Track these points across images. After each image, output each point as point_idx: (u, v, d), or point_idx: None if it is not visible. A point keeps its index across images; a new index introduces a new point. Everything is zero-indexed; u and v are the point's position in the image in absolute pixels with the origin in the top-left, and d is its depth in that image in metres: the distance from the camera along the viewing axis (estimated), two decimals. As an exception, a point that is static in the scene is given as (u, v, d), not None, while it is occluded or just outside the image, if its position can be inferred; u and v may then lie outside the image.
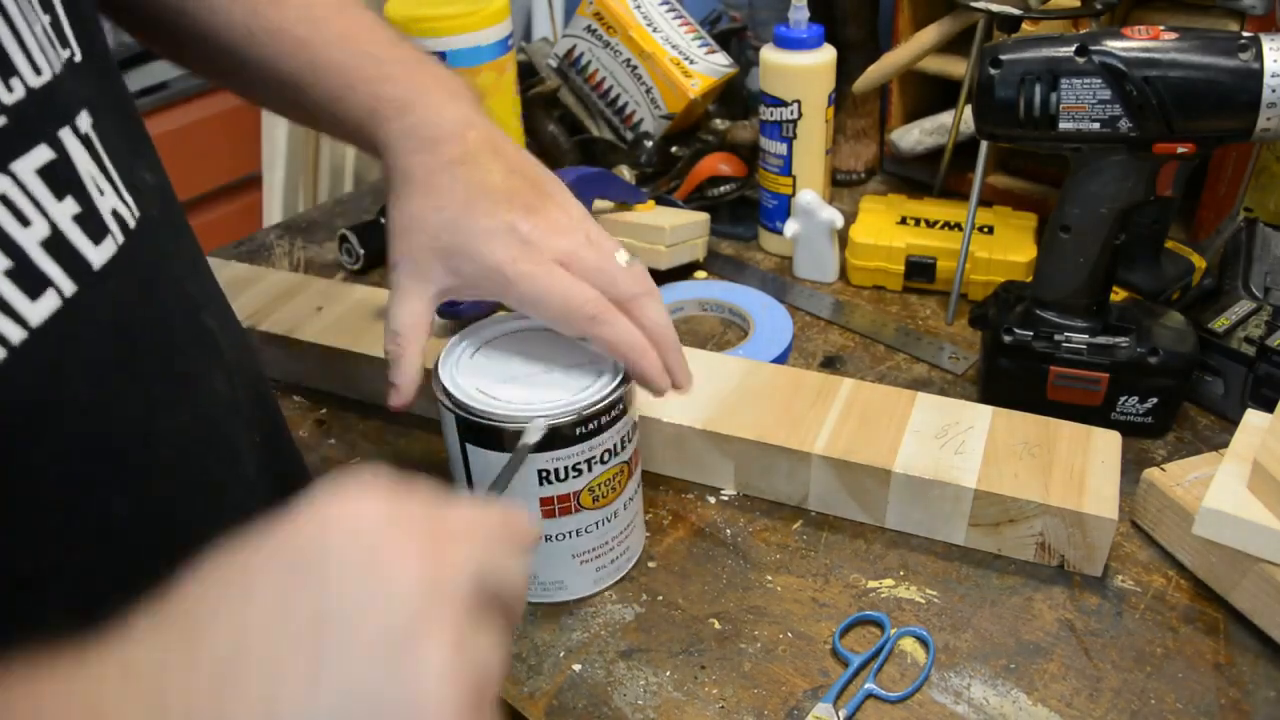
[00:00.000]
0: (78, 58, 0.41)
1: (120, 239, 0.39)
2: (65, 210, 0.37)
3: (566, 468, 0.54)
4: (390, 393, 0.52)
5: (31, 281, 0.35)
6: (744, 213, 0.98)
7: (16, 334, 0.34)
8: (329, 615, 0.27)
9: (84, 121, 0.39)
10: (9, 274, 0.34)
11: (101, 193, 0.39)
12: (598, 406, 0.53)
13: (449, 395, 0.55)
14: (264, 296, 0.82)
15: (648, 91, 1.00)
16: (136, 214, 0.41)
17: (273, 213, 1.48)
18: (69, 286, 0.36)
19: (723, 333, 0.85)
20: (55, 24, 0.39)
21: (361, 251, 0.94)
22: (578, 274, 0.52)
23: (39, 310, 0.35)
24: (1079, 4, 0.78)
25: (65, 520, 0.37)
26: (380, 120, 0.54)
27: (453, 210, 0.52)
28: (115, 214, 0.39)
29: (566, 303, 0.51)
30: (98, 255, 0.38)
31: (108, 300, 0.38)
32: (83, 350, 0.37)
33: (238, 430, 0.47)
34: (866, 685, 0.54)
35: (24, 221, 0.35)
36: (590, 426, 0.53)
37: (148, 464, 0.40)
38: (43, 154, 0.36)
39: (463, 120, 0.53)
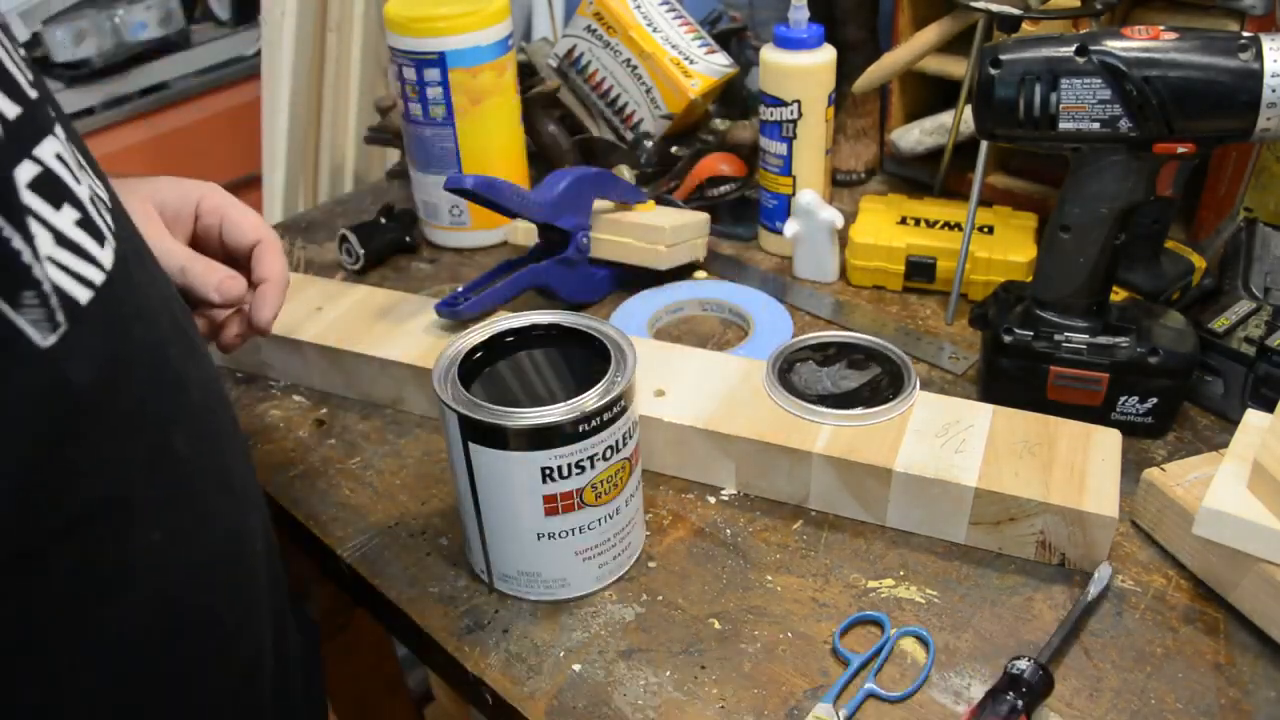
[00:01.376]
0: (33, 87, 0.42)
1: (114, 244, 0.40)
2: (85, 192, 0.39)
3: (569, 465, 0.54)
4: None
5: (96, 233, 0.37)
6: (744, 213, 0.98)
7: (97, 276, 0.36)
8: None
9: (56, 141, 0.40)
10: (80, 224, 0.36)
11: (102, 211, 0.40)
12: (600, 403, 0.53)
13: (452, 394, 0.55)
14: (264, 296, 0.82)
15: (648, 91, 1.00)
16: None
17: (273, 213, 1.48)
18: (108, 258, 0.38)
19: (723, 333, 0.85)
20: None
21: (361, 251, 0.94)
22: None
23: (106, 258, 0.37)
24: (1079, 4, 0.78)
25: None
26: None
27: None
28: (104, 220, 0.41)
29: None
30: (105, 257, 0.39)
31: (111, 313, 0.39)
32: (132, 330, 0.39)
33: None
34: (866, 685, 0.54)
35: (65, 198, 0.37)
36: (593, 424, 0.54)
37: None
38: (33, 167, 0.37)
39: None
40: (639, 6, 1.00)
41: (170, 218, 0.62)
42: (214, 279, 0.59)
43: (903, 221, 0.88)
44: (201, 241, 0.64)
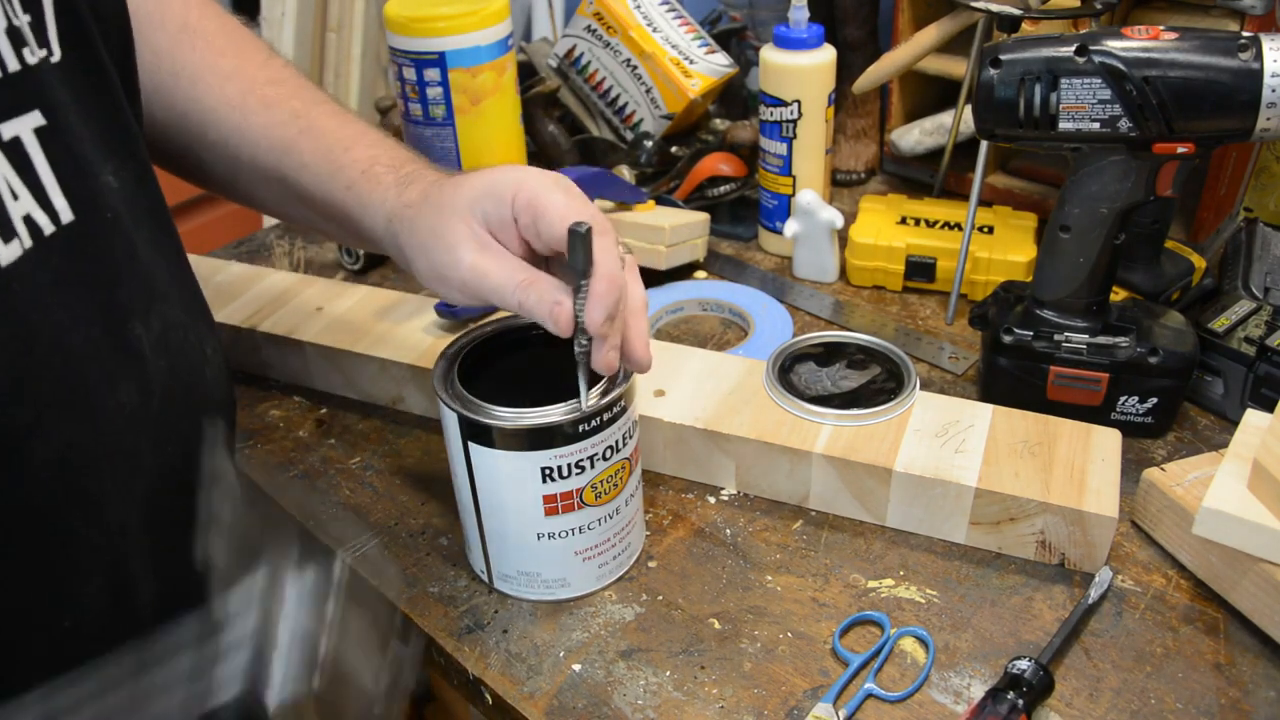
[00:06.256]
0: (55, 58, 0.42)
1: (28, 243, 0.40)
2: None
3: (569, 465, 0.54)
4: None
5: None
6: (744, 213, 0.98)
7: None
8: None
9: (18, 125, 0.40)
10: None
11: (16, 198, 0.40)
12: (600, 403, 0.53)
13: (452, 394, 0.55)
14: (264, 296, 0.82)
15: (648, 91, 1.00)
16: (65, 219, 0.42)
17: (273, 213, 1.48)
18: None
19: (723, 333, 0.85)
20: (35, 24, 0.41)
21: (361, 251, 0.94)
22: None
23: None
24: (1079, 4, 0.78)
25: None
26: (378, 173, 0.60)
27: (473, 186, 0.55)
28: (28, 219, 0.40)
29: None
30: (4, 254, 0.39)
31: (5, 302, 0.39)
32: None
33: (141, 445, 0.46)
34: (866, 685, 0.54)
35: None
36: (593, 423, 0.54)
37: (20, 472, 0.41)
38: None
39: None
40: (639, 6, 1.00)
41: (497, 229, 0.54)
42: (544, 310, 0.51)
43: (903, 221, 0.88)
44: (529, 242, 0.55)
